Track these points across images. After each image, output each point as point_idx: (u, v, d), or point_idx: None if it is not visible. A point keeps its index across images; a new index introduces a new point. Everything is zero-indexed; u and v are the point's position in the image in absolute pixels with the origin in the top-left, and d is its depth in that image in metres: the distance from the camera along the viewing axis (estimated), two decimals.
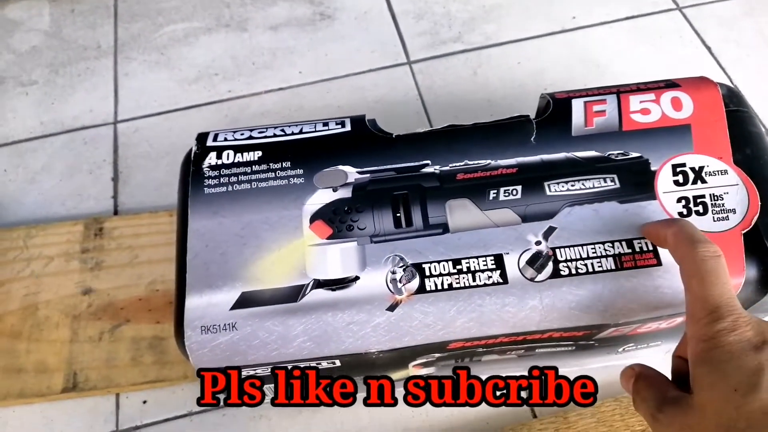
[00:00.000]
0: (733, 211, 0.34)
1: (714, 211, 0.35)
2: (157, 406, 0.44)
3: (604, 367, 0.43)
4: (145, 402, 0.44)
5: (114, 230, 0.49)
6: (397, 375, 0.39)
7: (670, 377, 0.32)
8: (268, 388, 0.38)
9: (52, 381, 0.44)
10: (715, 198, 0.35)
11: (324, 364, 0.35)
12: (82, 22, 0.65)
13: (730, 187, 0.35)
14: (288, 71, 0.60)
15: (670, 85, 0.39)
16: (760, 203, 0.35)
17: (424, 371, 0.39)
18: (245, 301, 0.33)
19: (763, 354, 0.26)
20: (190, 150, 0.38)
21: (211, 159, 0.37)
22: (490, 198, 0.35)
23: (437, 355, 0.36)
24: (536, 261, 0.33)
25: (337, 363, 0.35)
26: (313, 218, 0.35)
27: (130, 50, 0.62)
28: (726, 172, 0.36)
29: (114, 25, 0.64)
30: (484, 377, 0.43)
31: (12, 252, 0.49)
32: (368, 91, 0.58)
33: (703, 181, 0.35)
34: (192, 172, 0.37)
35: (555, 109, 0.38)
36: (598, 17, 0.62)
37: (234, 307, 0.33)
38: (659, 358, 0.42)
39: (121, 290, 0.47)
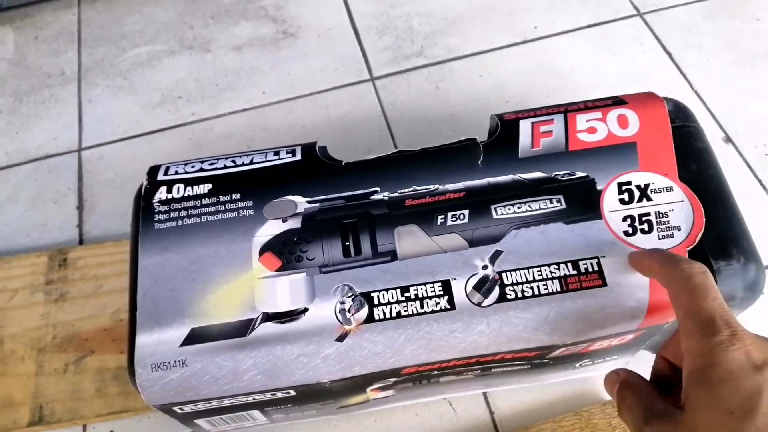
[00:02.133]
0: (678, 228, 0.35)
1: (659, 229, 0.35)
2: None
3: (565, 381, 0.43)
4: None
5: (78, 260, 0.50)
6: (356, 399, 0.39)
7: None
8: (227, 418, 0.38)
9: (18, 415, 0.44)
10: (660, 215, 0.35)
11: (279, 394, 0.35)
12: (45, 48, 0.65)
13: (676, 204, 0.36)
14: (252, 92, 0.60)
15: (617, 102, 0.39)
16: (705, 219, 0.35)
17: (383, 393, 0.39)
18: (195, 337, 0.33)
19: (763, 375, 0.25)
20: (141, 185, 0.38)
21: (162, 194, 0.37)
22: (438, 223, 0.35)
23: (393, 379, 0.36)
24: (483, 286, 0.34)
25: (292, 392, 0.35)
26: (263, 250, 0.35)
27: (94, 76, 0.62)
28: (671, 188, 0.36)
29: (78, 50, 0.64)
30: (443, 397, 0.43)
31: None
32: (332, 109, 0.58)
33: (649, 199, 0.36)
34: (142, 207, 0.37)
35: (502, 131, 0.38)
36: (560, 26, 0.63)
37: (184, 344, 0.33)
38: None
39: (86, 321, 0.47)
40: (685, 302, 0.28)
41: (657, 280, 0.31)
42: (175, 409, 0.35)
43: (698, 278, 0.28)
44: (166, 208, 0.37)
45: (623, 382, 0.32)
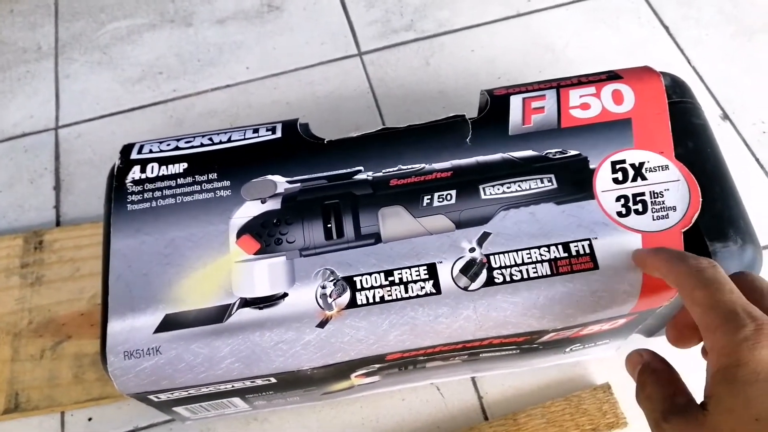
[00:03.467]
0: (674, 208, 0.33)
1: (654, 209, 0.33)
2: (103, 423, 0.43)
3: (555, 366, 0.42)
4: (90, 419, 0.43)
5: (54, 243, 0.48)
6: (340, 385, 0.38)
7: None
8: (207, 405, 0.37)
9: None
10: (655, 195, 0.34)
11: (259, 382, 0.34)
12: (21, 22, 0.62)
13: (671, 183, 0.34)
14: (235, 67, 0.58)
15: (612, 77, 0.38)
16: (701, 199, 0.34)
17: (368, 380, 0.38)
18: (169, 323, 0.32)
19: None
20: (114, 164, 0.36)
21: (135, 173, 0.35)
22: (424, 204, 0.34)
23: (378, 365, 0.35)
24: (470, 269, 0.32)
25: (273, 380, 0.34)
26: (240, 233, 0.34)
27: (72, 51, 0.60)
28: (667, 167, 0.35)
29: (55, 24, 0.62)
30: (430, 382, 0.42)
31: None
32: (318, 86, 0.56)
33: (644, 178, 0.34)
34: (115, 188, 0.35)
35: (492, 107, 0.37)
36: None
37: (157, 330, 0.32)
38: (611, 354, 0.42)
39: (63, 305, 0.45)
40: (702, 298, 0.26)
41: (665, 280, 0.29)
42: (151, 397, 0.33)
43: (709, 272, 0.26)
44: (139, 188, 0.35)
45: (645, 366, 0.29)
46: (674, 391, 0.27)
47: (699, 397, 0.26)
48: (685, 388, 0.28)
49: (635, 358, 0.30)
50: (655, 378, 0.28)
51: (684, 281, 0.27)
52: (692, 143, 0.36)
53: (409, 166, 0.35)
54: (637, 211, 0.33)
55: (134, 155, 0.36)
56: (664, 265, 0.29)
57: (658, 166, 0.35)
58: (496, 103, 0.37)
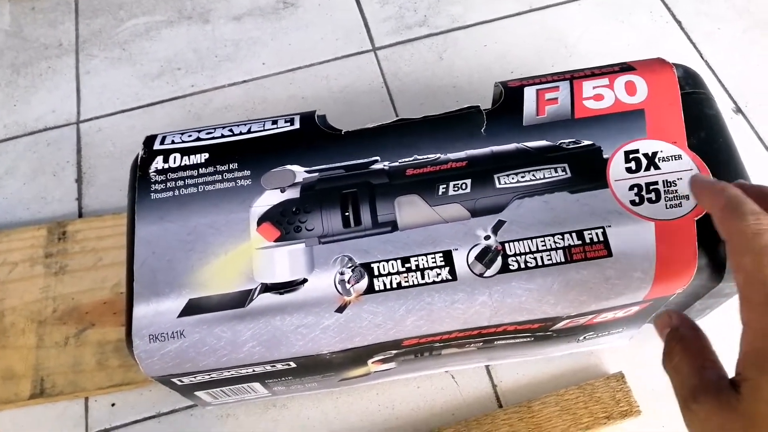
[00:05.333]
0: (687, 197, 0.34)
1: (667, 198, 0.34)
2: (126, 409, 0.44)
3: (569, 354, 0.43)
4: (113, 405, 0.44)
5: (77, 233, 0.49)
6: (357, 372, 0.39)
7: None
8: (227, 390, 0.38)
9: (19, 388, 0.44)
10: (668, 184, 0.34)
11: (279, 366, 0.35)
12: (42, 19, 0.63)
13: (684, 172, 0.35)
14: (251, 63, 0.59)
15: (625, 68, 0.38)
16: None
17: (384, 366, 0.39)
18: (192, 308, 0.33)
19: None
20: (138, 155, 0.37)
21: (158, 163, 0.36)
22: (440, 193, 0.35)
23: (394, 351, 0.36)
24: (485, 256, 0.33)
25: (292, 364, 0.35)
26: (261, 220, 0.34)
27: (92, 47, 0.61)
28: (680, 157, 0.35)
29: (75, 21, 0.63)
30: (445, 370, 0.43)
31: None
32: (333, 81, 0.57)
33: (657, 167, 0.35)
34: (138, 177, 0.36)
35: (506, 99, 0.37)
36: None
37: (181, 315, 0.33)
38: (624, 343, 0.42)
39: (86, 294, 0.47)
40: (749, 265, 0.24)
41: (715, 227, 0.27)
42: (174, 380, 0.34)
43: (766, 237, 0.24)
44: (162, 177, 0.36)
45: (673, 331, 0.27)
46: (703, 362, 0.26)
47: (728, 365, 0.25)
48: (716, 358, 0.26)
49: (664, 320, 0.28)
50: (683, 346, 0.27)
51: (735, 240, 0.25)
52: (705, 133, 0.36)
53: (425, 156, 0.36)
54: (650, 200, 0.34)
55: (157, 146, 0.37)
56: (719, 212, 0.27)
57: (671, 156, 0.35)
58: (510, 95, 0.37)
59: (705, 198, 0.29)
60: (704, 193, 0.29)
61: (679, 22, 0.59)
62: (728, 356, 0.25)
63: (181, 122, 0.56)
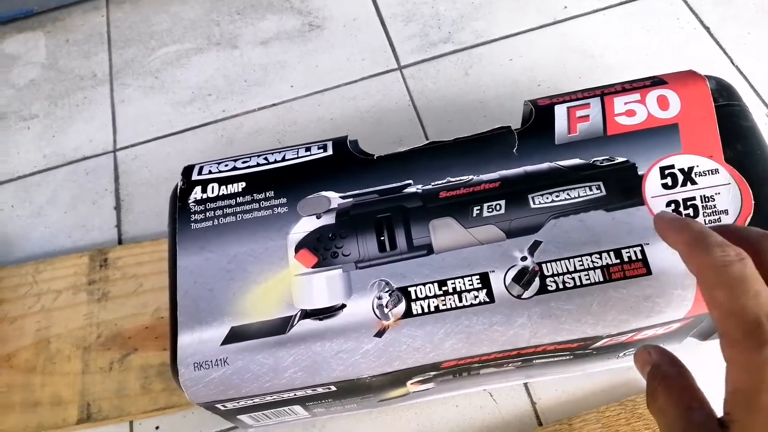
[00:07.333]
0: (726, 212, 0.34)
1: (705, 213, 0.34)
2: (170, 431, 0.45)
3: (608, 370, 0.42)
4: (157, 428, 0.45)
5: (118, 260, 0.50)
6: (396, 393, 0.39)
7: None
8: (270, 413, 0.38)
9: (67, 413, 0.45)
10: (706, 199, 0.34)
11: (319, 390, 0.35)
12: (77, 51, 0.65)
13: (722, 186, 0.34)
14: (280, 86, 0.60)
15: (657, 82, 0.38)
16: (753, 202, 0.34)
17: (422, 387, 0.39)
18: (235, 335, 0.33)
19: None
20: (176, 185, 0.38)
21: (197, 193, 0.37)
22: (474, 215, 0.35)
23: (433, 373, 0.36)
24: (522, 277, 0.33)
25: (333, 388, 0.35)
26: (298, 247, 0.35)
27: (125, 76, 0.63)
28: (717, 171, 0.35)
29: (108, 52, 0.65)
30: (483, 388, 0.43)
31: (22, 288, 0.50)
32: (360, 101, 0.58)
33: (693, 183, 0.34)
34: (179, 208, 0.37)
35: (537, 117, 0.37)
36: (591, 5, 0.61)
37: (224, 342, 0.33)
38: None
39: (128, 319, 0.48)
40: (722, 299, 0.23)
41: (684, 265, 0.26)
42: (218, 406, 0.35)
43: (736, 267, 0.23)
44: (201, 207, 0.37)
45: (654, 369, 0.26)
46: (690, 402, 0.24)
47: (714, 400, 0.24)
48: (702, 397, 0.25)
49: (643, 355, 0.27)
50: (666, 386, 0.25)
51: (704, 275, 0.24)
52: (741, 146, 0.36)
53: (458, 178, 0.36)
54: (688, 216, 0.34)
55: (195, 176, 0.38)
56: (685, 249, 0.26)
57: (708, 170, 0.35)
58: (540, 113, 0.38)
59: (669, 235, 0.28)
60: (668, 229, 0.28)
61: (707, 28, 0.58)
62: None
63: (213, 147, 0.57)
